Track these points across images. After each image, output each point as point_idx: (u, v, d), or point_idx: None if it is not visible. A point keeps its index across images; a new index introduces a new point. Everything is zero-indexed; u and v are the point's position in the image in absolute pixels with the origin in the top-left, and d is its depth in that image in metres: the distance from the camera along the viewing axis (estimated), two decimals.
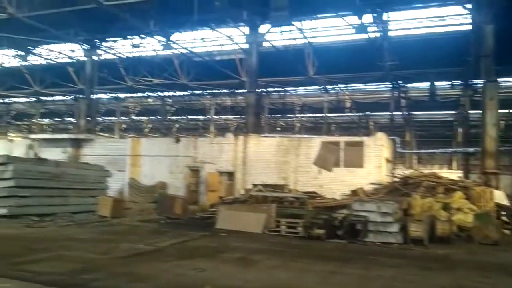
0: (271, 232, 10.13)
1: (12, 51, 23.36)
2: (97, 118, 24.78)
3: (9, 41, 20.48)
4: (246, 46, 18.70)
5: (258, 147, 16.60)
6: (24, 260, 6.44)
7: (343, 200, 11.45)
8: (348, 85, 23.40)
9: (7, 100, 33.43)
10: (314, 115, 29.19)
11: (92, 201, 12.96)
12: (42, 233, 9.36)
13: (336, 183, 14.91)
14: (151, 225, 11.31)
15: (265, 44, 19.25)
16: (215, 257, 7.36)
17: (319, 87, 24.16)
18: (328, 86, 23.62)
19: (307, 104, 27.58)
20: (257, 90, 18.60)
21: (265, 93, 24.29)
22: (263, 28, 18.23)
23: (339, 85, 23.37)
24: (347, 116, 28.66)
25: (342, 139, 16.39)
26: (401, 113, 24.54)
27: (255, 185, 12.96)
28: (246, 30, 18.34)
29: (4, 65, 25.54)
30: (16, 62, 25.31)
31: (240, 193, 14.15)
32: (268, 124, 28.19)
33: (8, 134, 35.39)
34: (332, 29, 18.77)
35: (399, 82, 21.60)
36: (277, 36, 19.02)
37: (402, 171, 17.56)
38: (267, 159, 16.30)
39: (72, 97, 28.98)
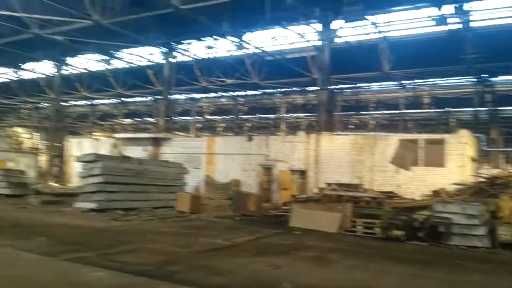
0: (347, 232, 9.94)
1: (97, 56, 25.15)
2: (174, 118, 25.86)
3: (94, 47, 22.05)
4: (318, 43, 18.50)
5: (331, 145, 16.35)
6: (113, 251, 6.89)
7: (423, 201, 10.91)
8: (427, 80, 22.28)
9: (93, 102, 36.07)
10: (389, 111, 28.14)
11: (171, 197, 13.54)
12: (127, 226, 9.96)
13: (415, 183, 14.25)
14: (226, 221, 11.58)
15: (338, 40, 18.91)
16: (290, 254, 7.37)
17: (394, 83, 23.28)
18: (404, 82, 22.69)
19: (382, 100, 26.63)
20: (329, 87, 18.32)
21: (337, 90, 23.88)
22: (335, 24, 17.91)
23: (417, 80, 22.33)
24: (426, 112, 27.28)
25: (421, 136, 15.63)
26: (486, 108, 22.88)
27: (328, 184, 12.78)
28: (318, 26, 18.13)
29: (90, 69, 27.52)
30: (101, 66, 27.21)
31: (313, 192, 14.04)
32: (340, 121, 27.67)
33: (94, 133, 38.17)
34: (408, 22, 17.95)
35: (483, 75, 20.16)
36: (350, 31, 18.63)
37: (488, 170, 16.35)
38: (341, 158, 16.00)
39: (152, 98, 30.60)
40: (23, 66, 28.46)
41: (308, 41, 19.39)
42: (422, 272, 6.36)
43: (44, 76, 29.53)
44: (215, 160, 19.13)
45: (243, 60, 22.49)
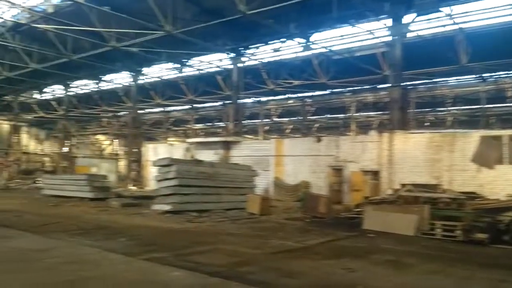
0: (424, 234, 9.44)
1: (170, 65, 26.25)
2: (243, 121, 26.27)
3: (167, 56, 23.05)
4: (389, 38, 17.82)
5: (405, 144, 15.64)
6: (188, 252, 7.12)
7: (509, 201, 10.08)
8: (510, 72, 20.60)
9: (167, 109, 37.72)
10: (469, 107, 26.40)
11: (242, 198, 13.74)
12: (201, 227, 10.25)
13: (500, 183, 13.16)
14: (297, 223, 11.51)
15: (409, 34, 18.08)
16: (364, 257, 7.14)
17: (473, 76, 21.79)
18: (485, 75, 21.15)
19: (460, 95, 25.02)
20: (402, 84, 17.55)
21: (411, 87, 22.84)
22: (407, 18, 17.14)
23: (499, 72, 20.73)
24: (510, 106, 25.24)
25: (506, 132, 14.44)
26: None
27: (403, 185, 12.25)
28: (388, 22, 17.47)
29: (164, 77, 28.81)
30: (173, 75, 28.37)
31: (387, 193, 13.51)
32: (415, 119, 26.43)
33: (169, 139, 39.90)
34: (486, 12, 16.70)
35: None
36: (423, 25, 17.73)
37: None
38: (416, 157, 15.23)
39: (221, 103, 31.37)
40: (103, 78, 30.49)
41: (377, 37, 18.77)
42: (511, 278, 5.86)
43: (122, 86, 31.42)
44: (284, 162, 19.11)
45: (310, 61, 22.29)
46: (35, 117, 43.57)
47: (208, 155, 20.28)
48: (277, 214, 13.12)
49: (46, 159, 51.73)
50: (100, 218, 11.54)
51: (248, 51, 22.38)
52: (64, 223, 10.13)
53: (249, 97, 29.89)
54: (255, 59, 23.38)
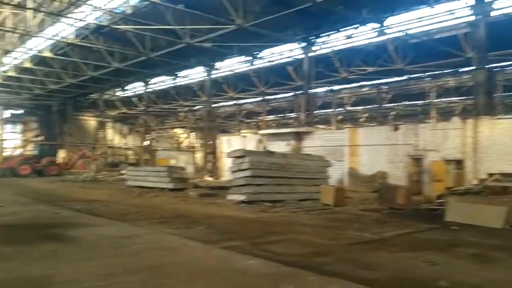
0: None
1: (241, 58, 26.63)
2: (315, 111, 25.97)
3: (238, 49, 23.41)
4: (471, 18, 16.59)
5: (492, 130, 14.50)
6: (263, 241, 7.21)
7: None
8: None
9: (239, 102, 38.39)
10: None
11: (315, 189, 13.61)
12: (275, 218, 10.33)
13: None
14: (373, 215, 11.17)
15: (494, 13, 16.68)
16: (447, 251, 6.75)
17: None
18: None
19: None
20: (487, 66, 16.27)
21: (497, 69, 21.12)
22: None
23: None
24: None
25: None
26: None
27: (490, 174, 11.39)
28: (470, 0, 16.25)
29: (236, 71, 29.31)
30: (244, 67, 28.76)
31: (472, 183, 12.66)
32: (502, 104, 24.41)
33: (242, 131, 40.65)
34: None
35: None
36: (509, 2, 16.27)
37: None
38: (505, 144, 14.06)
39: (292, 93, 31.27)
40: (179, 74, 31.72)
41: (459, 17, 17.54)
42: None
43: (196, 81, 32.49)
44: (359, 152, 18.63)
45: (385, 46, 21.43)
46: (118, 113, 46.59)
47: (280, 146, 20.36)
48: (352, 205, 12.83)
49: (129, 152, 55.19)
50: (179, 207, 12.06)
51: (319, 40, 22.02)
52: (147, 212, 10.72)
53: (321, 87, 29.48)
54: (327, 48, 22.95)
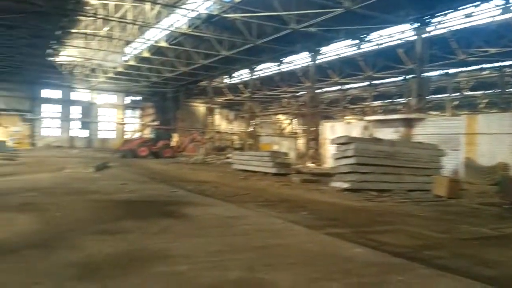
0: None
1: (347, 42, 25.87)
2: (427, 96, 24.31)
3: (345, 33, 22.76)
4: None
5: None
6: (368, 230, 7.01)
7: None
8: None
9: (344, 87, 37.53)
10: None
11: (426, 180, 12.83)
12: (380, 207, 9.96)
13: None
14: (492, 209, 10.19)
15: None
16: None
17: None
18: None
19: None
20: None
21: None
22: None
23: None
24: None
25: None
26: None
27: None
28: None
29: (341, 55, 28.61)
30: (351, 51, 27.93)
31: None
32: None
33: (346, 117, 39.75)
34: None
35: None
36: None
37: None
38: None
39: (402, 77, 29.66)
40: (283, 60, 31.93)
41: None
42: None
43: (300, 66, 32.43)
44: (477, 141, 17.05)
45: (510, 24, 19.17)
46: (225, 99, 48.57)
47: (387, 133, 19.49)
48: (469, 198, 11.84)
49: (235, 137, 57.41)
50: (282, 192, 12.25)
51: (434, 20, 20.43)
52: (252, 195, 11.07)
53: (435, 70, 27.49)
54: (443, 28, 21.22)
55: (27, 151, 33.48)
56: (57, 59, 39.05)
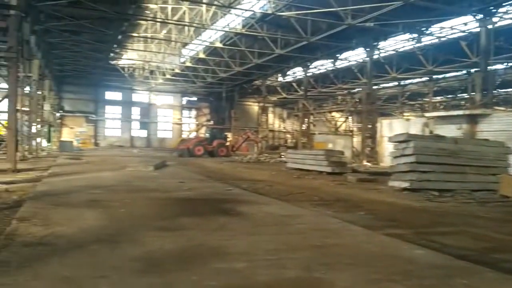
0: None
1: (406, 36, 24.99)
2: (493, 91, 22.93)
3: (403, 27, 22.01)
4: None
5: None
6: (430, 231, 6.73)
7: None
8: None
9: (402, 82, 36.29)
10: None
11: (491, 179, 12.12)
12: (442, 208, 9.54)
13: None
14: None
15: None
16: None
17: None
18: None
19: None
20: None
21: None
22: None
23: None
24: None
25: None
26: None
27: None
28: None
29: (399, 50, 27.69)
30: (409, 45, 26.96)
31: None
32: None
33: (404, 114, 38.41)
34: None
35: None
36: None
37: None
38: None
39: (465, 71, 28.22)
40: (338, 56, 31.43)
41: None
42: None
43: (356, 62, 31.77)
44: None
45: None
46: (278, 98, 48.64)
47: (449, 130, 18.62)
48: None
49: (288, 135, 57.24)
50: (338, 191, 12.07)
51: (500, 10, 19.25)
52: (307, 194, 11.00)
53: (502, 63, 25.89)
54: (509, 18, 19.94)
55: (91, 151, 35.45)
56: (118, 62, 41.04)
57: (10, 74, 14.01)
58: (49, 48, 28.39)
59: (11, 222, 5.84)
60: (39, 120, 24.86)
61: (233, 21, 25.81)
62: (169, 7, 25.39)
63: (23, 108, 19.41)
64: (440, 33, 23.48)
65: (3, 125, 16.08)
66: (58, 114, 42.84)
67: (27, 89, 20.71)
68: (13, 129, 13.36)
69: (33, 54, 20.59)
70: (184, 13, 25.49)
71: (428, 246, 5.52)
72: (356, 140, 32.40)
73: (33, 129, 22.45)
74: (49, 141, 33.64)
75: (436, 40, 24.73)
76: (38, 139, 24.30)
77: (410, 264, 4.53)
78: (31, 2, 17.93)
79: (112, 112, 50.89)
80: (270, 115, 54.10)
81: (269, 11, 20.86)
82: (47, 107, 29.70)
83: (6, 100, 13.60)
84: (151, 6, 25.14)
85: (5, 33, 11.14)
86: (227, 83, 44.43)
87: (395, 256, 4.85)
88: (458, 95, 35.92)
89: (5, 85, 15.35)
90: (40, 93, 24.81)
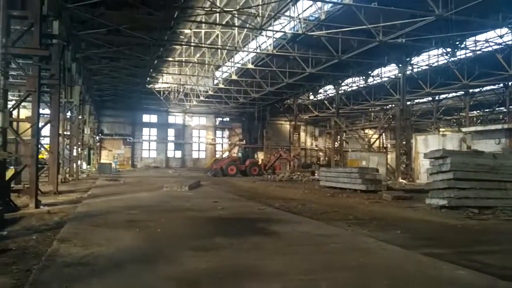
0: None
1: (439, 50, 24.61)
2: None
3: (436, 41, 21.70)
4: None
5: None
6: (471, 251, 6.51)
7: None
8: None
9: (437, 97, 35.53)
10: None
11: None
12: (483, 225, 9.19)
13: None
14: None
15: None
16: None
17: None
18: None
19: None
20: None
21: None
22: None
23: None
24: None
25: None
26: None
27: None
28: None
29: (433, 64, 27.25)
30: (443, 60, 26.50)
31: None
32: None
33: (440, 129, 37.50)
34: None
35: None
36: None
37: None
38: None
39: (502, 85, 27.41)
40: (370, 73, 31.22)
41: None
42: None
43: (388, 79, 31.43)
44: None
45: None
46: (310, 116, 48.57)
47: (487, 146, 18.04)
48: None
49: (321, 153, 56.84)
50: (373, 209, 11.85)
51: None
52: (341, 213, 10.87)
53: None
54: None
55: (128, 172, 36.35)
56: (154, 86, 42.33)
57: (53, 100, 14.72)
58: (89, 74, 29.64)
59: (52, 243, 6.08)
60: (80, 143, 25.79)
61: (264, 42, 26.20)
62: (203, 32, 26.11)
63: (64, 132, 20.26)
64: (475, 46, 22.99)
65: (45, 149, 16.79)
66: (97, 137, 44.34)
67: (68, 114, 21.63)
68: (55, 153, 13.92)
69: (74, 80, 21.55)
70: (217, 36, 26.12)
71: (469, 266, 5.34)
72: (391, 157, 31.80)
73: (74, 152, 23.30)
74: (89, 163, 34.77)
75: (471, 54, 24.19)
76: (79, 162, 25.16)
77: (451, 286, 4.42)
78: (73, 31, 18.88)
79: (148, 134, 52.19)
80: (302, 133, 53.97)
81: (300, 31, 21.08)
82: (87, 130, 30.82)
83: (48, 125, 14.22)
84: (186, 31, 25.92)
85: (48, 61, 11.75)
86: (259, 103, 44.85)
87: (434, 276, 4.73)
88: (496, 109, 34.83)
89: (47, 111, 16.05)
90: (81, 117, 25.81)
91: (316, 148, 56.98)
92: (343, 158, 33.66)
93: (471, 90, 31.43)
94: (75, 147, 23.57)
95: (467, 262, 5.62)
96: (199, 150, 54.48)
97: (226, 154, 45.58)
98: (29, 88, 10.07)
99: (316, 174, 28.62)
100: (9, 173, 11.98)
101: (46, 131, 15.56)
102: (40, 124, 11.25)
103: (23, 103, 12.72)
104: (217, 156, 50.43)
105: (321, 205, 12.49)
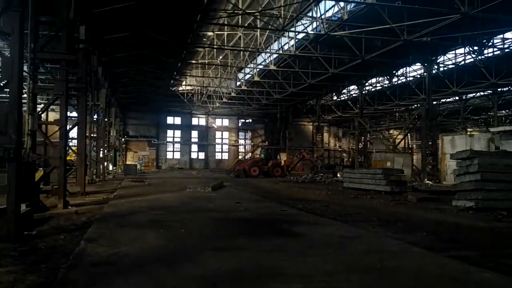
0: None
1: (466, 49, 24.07)
2: None
3: (463, 39, 21.23)
4: None
5: None
6: (499, 253, 6.34)
7: None
8: None
9: (463, 97, 34.73)
10: None
11: None
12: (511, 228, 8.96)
13: None
14: None
15: None
16: None
17: None
18: None
19: None
20: None
21: None
22: None
23: None
24: None
25: None
26: None
27: None
28: None
29: (459, 63, 26.66)
30: (470, 58, 25.90)
31: None
32: None
33: (467, 129, 36.63)
34: None
35: None
36: None
37: None
38: None
39: None
40: (395, 73, 30.77)
41: None
42: None
43: (414, 78, 30.91)
44: None
45: None
46: (333, 117, 48.17)
47: None
48: None
49: (344, 154, 56.35)
50: (398, 211, 11.67)
51: None
52: (365, 214, 10.75)
53: None
54: None
55: (153, 173, 36.87)
56: (178, 88, 42.87)
57: (80, 103, 15.08)
58: (115, 77, 30.23)
59: (79, 242, 6.24)
60: (106, 145, 26.31)
61: (287, 43, 26.17)
62: (225, 34, 26.28)
63: (91, 135, 20.70)
64: (503, 44, 22.38)
65: (73, 150, 17.19)
66: (123, 139, 45.17)
67: (95, 116, 22.12)
68: (83, 154, 14.26)
69: (100, 84, 22.02)
70: (239, 38, 26.25)
71: (497, 269, 5.21)
72: (416, 158, 31.26)
73: (101, 154, 23.80)
74: (114, 165, 35.46)
75: (499, 52, 23.56)
76: (105, 163, 25.69)
77: None
78: (98, 36, 19.28)
79: (173, 136, 52.85)
80: (325, 134, 53.64)
81: (322, 32, 20.97)
82: (113, 132, 31.43)
83: (76, 128, 14.58)
84: (208, 33, 26.15)
85: (75, 65, 12.07)
86: (281, 104, 44.83)
87: (461, 279, 4.64)
88: None
89: (75, 114, 16.45)
90: (107, 120, 26.34)
91: (339, 149, 56.50)
92: (367, 159, 33.29)
93: (499, 89, 30.61)
94: (101, 149, 24.07)
95: (495, 265, 5.49)
96: (222, 152, 54.84)
97: (249, 156, 45.62)
98: (57, 92, 10.36)
99: (338, 175, 28.39)
100: (38, 174, 12.36)
101: (73, 133, 15.94)
102: (68, 127, 11.56)
103: (51, 106, 13.08)
104: (240, 157, 50.60)
105: (344, 207, 12.39)
